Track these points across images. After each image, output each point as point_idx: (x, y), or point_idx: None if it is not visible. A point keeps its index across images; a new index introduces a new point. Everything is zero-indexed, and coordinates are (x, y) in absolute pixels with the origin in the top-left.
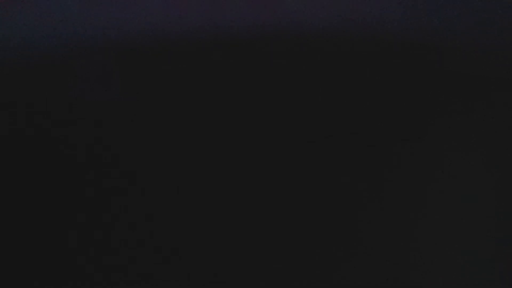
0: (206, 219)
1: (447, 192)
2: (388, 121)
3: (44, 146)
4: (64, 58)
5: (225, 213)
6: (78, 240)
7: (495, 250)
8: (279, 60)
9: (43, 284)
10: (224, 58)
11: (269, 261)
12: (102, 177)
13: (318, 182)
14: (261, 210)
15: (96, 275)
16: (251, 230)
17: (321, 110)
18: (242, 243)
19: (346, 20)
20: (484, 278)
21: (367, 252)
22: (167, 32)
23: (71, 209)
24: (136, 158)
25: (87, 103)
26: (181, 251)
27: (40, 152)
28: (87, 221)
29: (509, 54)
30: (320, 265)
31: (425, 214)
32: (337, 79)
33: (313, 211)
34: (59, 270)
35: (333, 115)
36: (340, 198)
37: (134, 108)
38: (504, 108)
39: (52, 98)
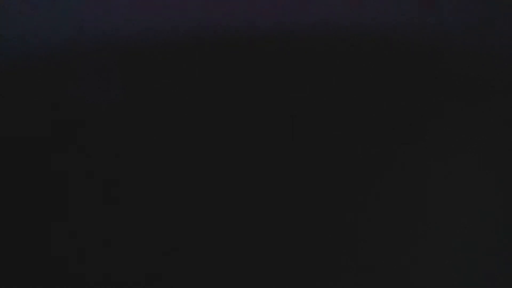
0: (206, 220)
1: (448, 193)
2: (387, 122)
3: (43, 146)
4: (63, 58)
5: (224, 215)
6: (77, 240)
7: (495, 250)
8: (278, 60)
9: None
10: (225, 58)
11: (268, 264)
12: (102, 178)
13: (317, 183)
14: (261, 212)
15: (95, 276)
16: (251, 232)
17: (321, 110)
18: (240, 245)
19: (345, 20)
20: (484, 278)
21: (368, 253)
22: (167, 32)
23: (73, 211)
24: (136, 158)
25: (87, 104)
26: (180, 251)
27: (39, 153)
28: (86, 221)
29: (509, 54)
30: (318, 267)
31: (425, 215)
32: (337, 80)
33: (312, 212)
34: (58, 270)
35: (334, 115)
36: (340, 199)
37: (134, 108)
38: (504, 109)
39: (51, 98)
